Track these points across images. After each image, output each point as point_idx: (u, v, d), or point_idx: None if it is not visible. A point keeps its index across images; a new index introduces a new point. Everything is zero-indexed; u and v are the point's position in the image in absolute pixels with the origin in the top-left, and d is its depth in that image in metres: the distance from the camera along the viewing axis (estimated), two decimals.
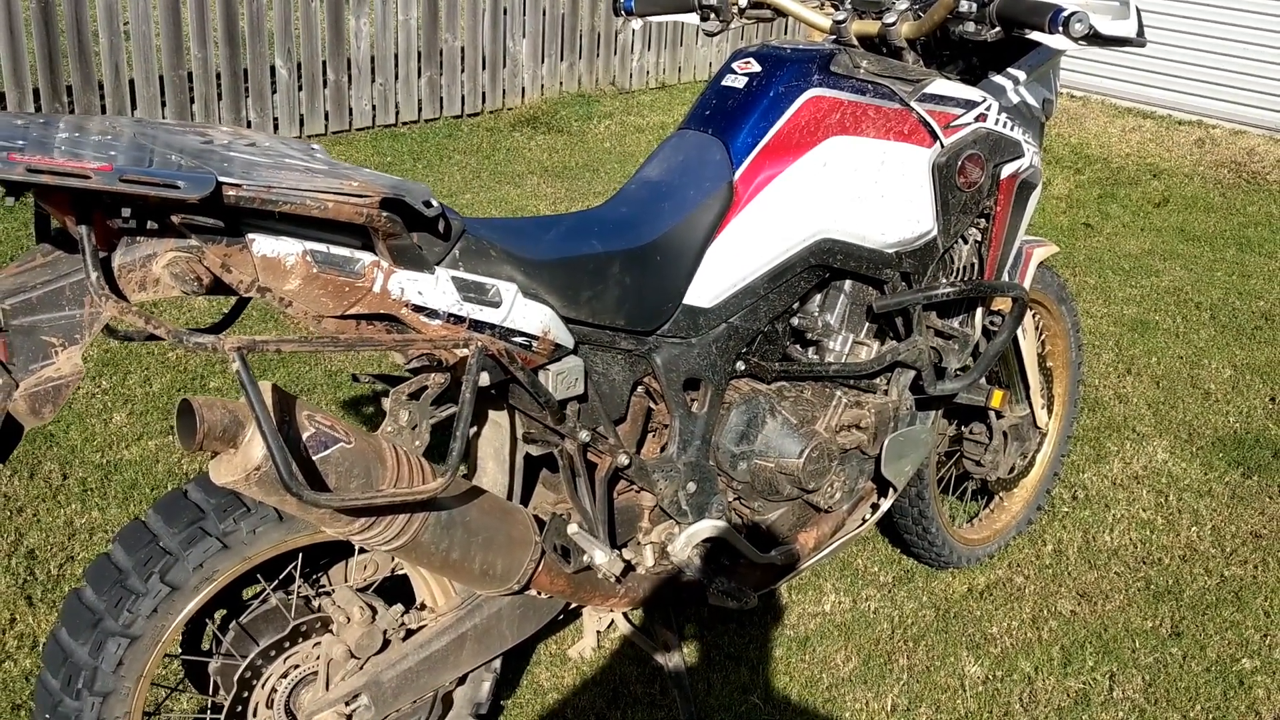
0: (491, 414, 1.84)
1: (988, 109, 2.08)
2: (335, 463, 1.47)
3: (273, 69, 5.83)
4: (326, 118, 6.06)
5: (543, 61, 6.89)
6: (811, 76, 1.97)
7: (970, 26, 1.93)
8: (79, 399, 3.25)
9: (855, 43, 2.12)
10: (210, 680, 1.79)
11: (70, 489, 2.85)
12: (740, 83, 2.02)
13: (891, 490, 2.24)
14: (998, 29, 1.90)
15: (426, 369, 1.62)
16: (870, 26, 2.10)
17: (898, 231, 2.03)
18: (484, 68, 6.62)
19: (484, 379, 1.62)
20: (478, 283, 1.61)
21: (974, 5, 1.91)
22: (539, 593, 1.84)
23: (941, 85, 2.04)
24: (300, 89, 5.94)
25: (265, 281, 1.45)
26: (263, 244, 1.43)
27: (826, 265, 2.01)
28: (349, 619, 1.75)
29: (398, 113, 6.33)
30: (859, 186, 1.98)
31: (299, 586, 1.78)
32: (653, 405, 1.98)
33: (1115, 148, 6.51)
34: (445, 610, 1.83)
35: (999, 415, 2.56)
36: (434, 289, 1.56)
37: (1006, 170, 2.14)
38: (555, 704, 2.27)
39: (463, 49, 6.50)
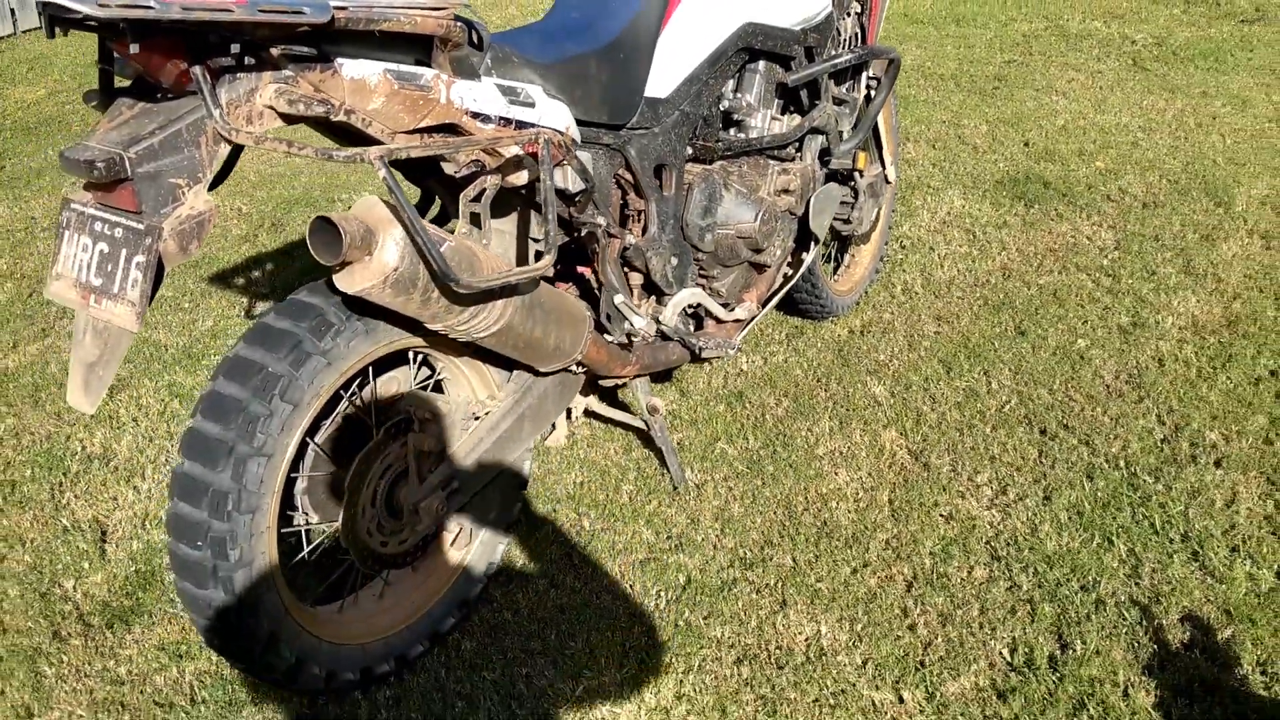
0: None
1: None
2: (450, 257, 1.63)
3: None
4: None
5: None
6: None
7: None
8: None
9: None
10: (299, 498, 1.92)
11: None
12: None
13: (814, 243, 2.58)
14: None
15: (480, 173, 1.78)
16: None
17: (804, 10, 2.31)
18: None
19: (524, 176, 1.81)
20: (512, 87, 1.77)
21: None
22: (579, 367, 2.06)
23: None
24: None
25: (352, 103, 1.57)
26: (350, 68, 1.55)
27: (750, 47, 2.27)
28: (431, 415, 1.92)
29: None
30: None
31: (363, 397, 1.93)
32: (625, 196, 2.20)
33: None
34: (503, 396, 2.03)
35: (860, 174, 2.94)
36: (485, 95, 1.72)
37: None
38: (550, 486, 2.52)
39: None
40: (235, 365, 1.72)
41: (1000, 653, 2.08)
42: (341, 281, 1.59)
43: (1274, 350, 2.95)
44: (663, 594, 2.22)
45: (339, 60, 1.54)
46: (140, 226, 1.45)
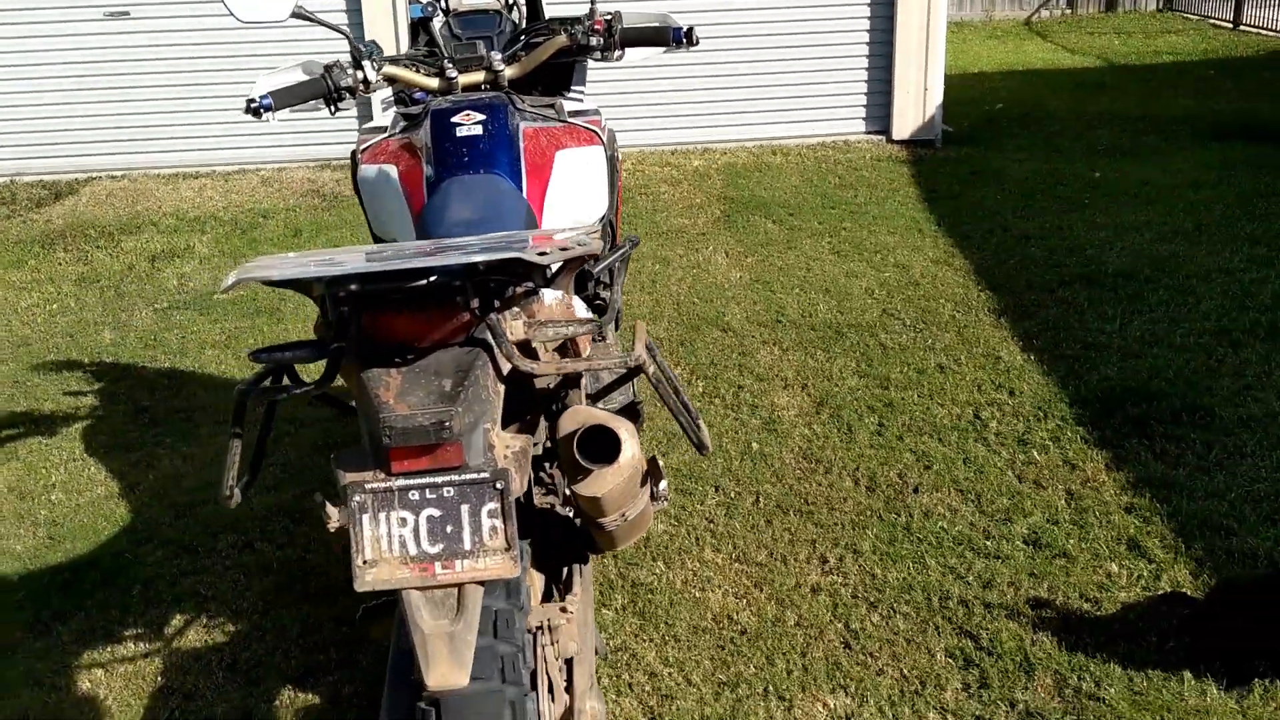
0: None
1: (599, 112, 2.60)
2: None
3: None
4: None
5: None
6: (514, 115, 2.35)
7: (597, 54, 2.51)
8: None
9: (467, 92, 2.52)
10: None
11: None
12: (477, 130, 2.30)
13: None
14: (621, 52, 2.52)
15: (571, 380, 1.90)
16: (476, 76, 2.50)
17: (600, 208, 2.51)
18: None
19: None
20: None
21: (600, 39, 2.48)
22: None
23: (569, 104, 2.55)
24: None
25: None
26: (546, 295, 1.73)
27: None
28: (564, 623, 1.86)
29: None
30: (583, 181, 2.43)
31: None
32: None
33: None
34: (578, 589, 1.99)
35: None
36: (580, 305, 1.93)
37: (620, 154, 2.75)
38: None
39: None
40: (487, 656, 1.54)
41: None
42: (589, 487, 1.68)
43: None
44: None
45: (542, 290, 1.70)
46: (483, 475, 1.45)
